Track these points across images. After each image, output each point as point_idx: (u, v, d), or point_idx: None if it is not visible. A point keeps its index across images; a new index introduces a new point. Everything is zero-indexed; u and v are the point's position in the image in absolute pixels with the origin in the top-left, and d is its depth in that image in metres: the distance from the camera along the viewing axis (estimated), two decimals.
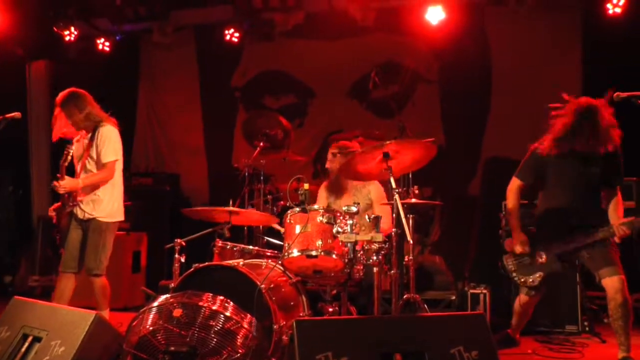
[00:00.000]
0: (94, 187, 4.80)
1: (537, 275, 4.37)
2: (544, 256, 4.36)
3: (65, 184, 4.65)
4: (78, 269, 4.81)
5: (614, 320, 4.10)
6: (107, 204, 4.83)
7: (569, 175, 4.37)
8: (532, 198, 5.08)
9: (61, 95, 4.88)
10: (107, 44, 8.63)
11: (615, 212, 4.37)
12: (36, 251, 7.87)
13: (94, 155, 4.81)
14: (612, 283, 4.09)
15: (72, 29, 8.32)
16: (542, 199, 4.60)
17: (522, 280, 4.42)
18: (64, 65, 8.92)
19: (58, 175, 4.65)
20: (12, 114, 4.53)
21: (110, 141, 4.80)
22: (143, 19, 8.34)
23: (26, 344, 3.28)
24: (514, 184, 4.59)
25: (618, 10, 6.91)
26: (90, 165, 4.84)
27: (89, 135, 4.86)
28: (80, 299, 4.82)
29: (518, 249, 4.44)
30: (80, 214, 4.80)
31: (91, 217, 4.78)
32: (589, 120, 4.19)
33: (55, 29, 8.29)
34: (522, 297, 4.57)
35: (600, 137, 4.20)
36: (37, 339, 3.27)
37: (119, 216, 4.96)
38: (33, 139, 8.89)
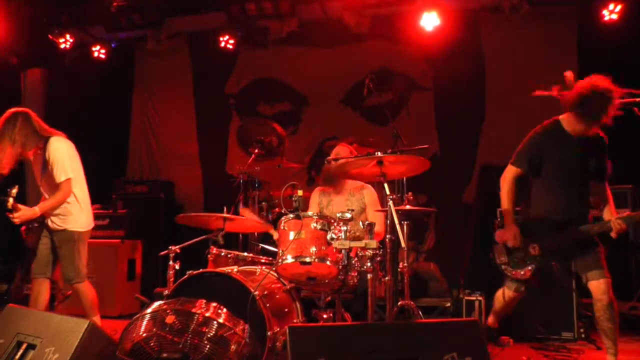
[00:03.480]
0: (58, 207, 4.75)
1: (529, 268, 4.28)
2: (537, 248, 4.26)
3: (21, 214, 4.56)
4: (50, 274, 4.80)
5: (601, 322, 4.08)
6: (76, 216, 4.78)
7: (568, 166, 4.22)
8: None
9: (1, 119, 4.70)
10: (102, 51, 8.66)
11: (609, 207, 4.28)
12: (31, 260, 7.83)
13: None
14: (598, 285, 4.06)
15: (68, 36, 8.34)
16: (536, 189, 4.37)
17: (514, 272, 4.33)
18: (59, 73, 8.93)
19: (13, 206, 4.51)
20: None
21: (58, 160, 4.67)
22: (137, 27, 8.36)
23: (20, 351, 3.27)
24: (510, 172, 4.37)
25: (614, 16, 6.95)
26: (51, 183, 4.76)
27: (42, 151, 4.75)
28: (74, 307, 4.83)
29: (510, 242, 4.31)
30: (50, 224, 4.76)
31: (61, 228, 4.75)
32: (606, 102, 4.02)
33: (50, 37, 8.30)
34: (507, 292, 4.46)
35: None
36: (31, 346, 3.26)
37: (90, 225, 4.92)
38: None
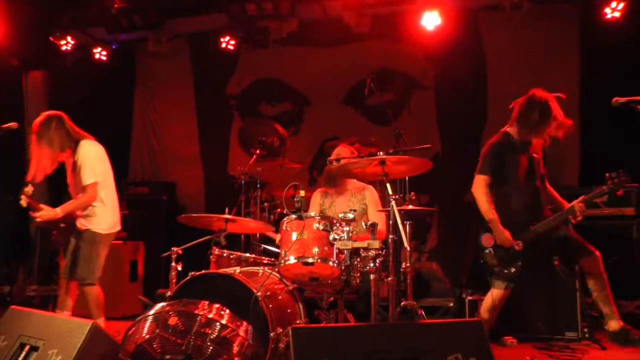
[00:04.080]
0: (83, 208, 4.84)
1: (518, 264, 4.57)
2: (520, 244, 4.55)
3: (42, 214, 4.67)
4: (69, 276, 4.87)
5: (600, 291, 4.54)
6: (100, 218, 4.88)
7: (524, 168, 4.65)
8: None
9: (37, 122, 4.84)
10: (103, 52, 8.67)
11: (559, 198, 4.82)
12: (34, 261, 7.85)
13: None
14: (591, 261, 4.55)
15: (69, 38, 8.35)
16: (503, 191, 4.72)
17: (505, 271, 4.59)
18: (61, 75, 8.94)
19: (32, 205, 4.63)
20: (9, 125, 4.55)
21: (86, 162, 4.79)
22: (138, 28, 8.36)
23: (23, 353, 3.28)
24: (482, 181, 4.74)
25: (617, 14, 6.89)
26: (79, 185, 4.86)
27: (73, 153, 4.87)
28: (77, 308, 4.84)
29: (507, 244, 4.59)
30: (78, 224, 4.86)
31: (85, 228, 4.84)
32: (542, 110, 4.56)
33: (52, 39, 8.30)
34: (497, 292, 4.71)
35: (549, 128, 4.58)
36: (34, 348, 3.26)
37: (114, 227, 5.00)
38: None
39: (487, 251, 4.70)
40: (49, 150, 4.78)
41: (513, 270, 4.57)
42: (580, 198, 4.57)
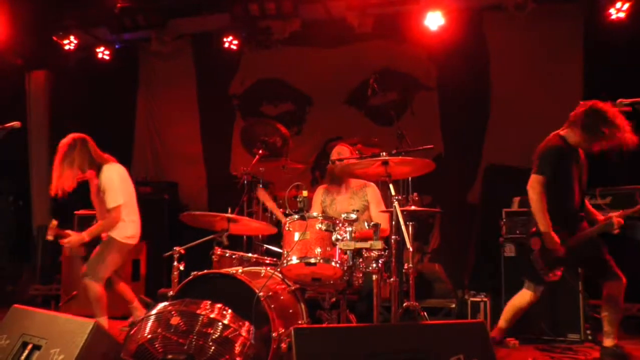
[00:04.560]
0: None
1: (561, 269, 4.58)
2: (563, 250, 4.52)
3: (71, 240, 5.03)
4: (117, 275, 5.36)
5: (613, 314, 4.50)
6: (120, 229, 5.16)
7: (574, 173, 4.58)
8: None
9: (62, 144, 5.10)
10: (106, 52, 8.66)
11: (591, 209, 4.82)
12: (37, 261, 7.87)
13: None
14: (616, 286, 4.47)
15: (72, 38, 8.36)
16: (552, 196, 4.57)
17: (550, 275, 4.59)
18: (64, 75, 8.95)
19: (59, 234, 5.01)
20: (12, 124, 4.55)
21: (109, 187, 5.08)
22: (141, 28, 8.37)
23: (26, 352, 3.29)
24: (539, 181, 4.53)
25: (622, 15, 6.82)
26: (102, 207, 5.16)
27: (97, 175, 5.15)
28: (80, 308, 4.85)
29: (557, 249, 4.51)
30: (103, 235, 5.17)
31: (106, 235, 5.14)
32: (612, 125, 4.33)
33: (55, 38, 8.31)
34: (530, 295, 4.74)
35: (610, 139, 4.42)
36: (36, 347, 3.28)
37: (131, 239, 5.26)
38: (33, 148, 8.91)
39: (534, 252, 4.65)
40: (70, 171, 5.04)
41: (556, 275, 4.58)
42: (619, 212, 4.53)
